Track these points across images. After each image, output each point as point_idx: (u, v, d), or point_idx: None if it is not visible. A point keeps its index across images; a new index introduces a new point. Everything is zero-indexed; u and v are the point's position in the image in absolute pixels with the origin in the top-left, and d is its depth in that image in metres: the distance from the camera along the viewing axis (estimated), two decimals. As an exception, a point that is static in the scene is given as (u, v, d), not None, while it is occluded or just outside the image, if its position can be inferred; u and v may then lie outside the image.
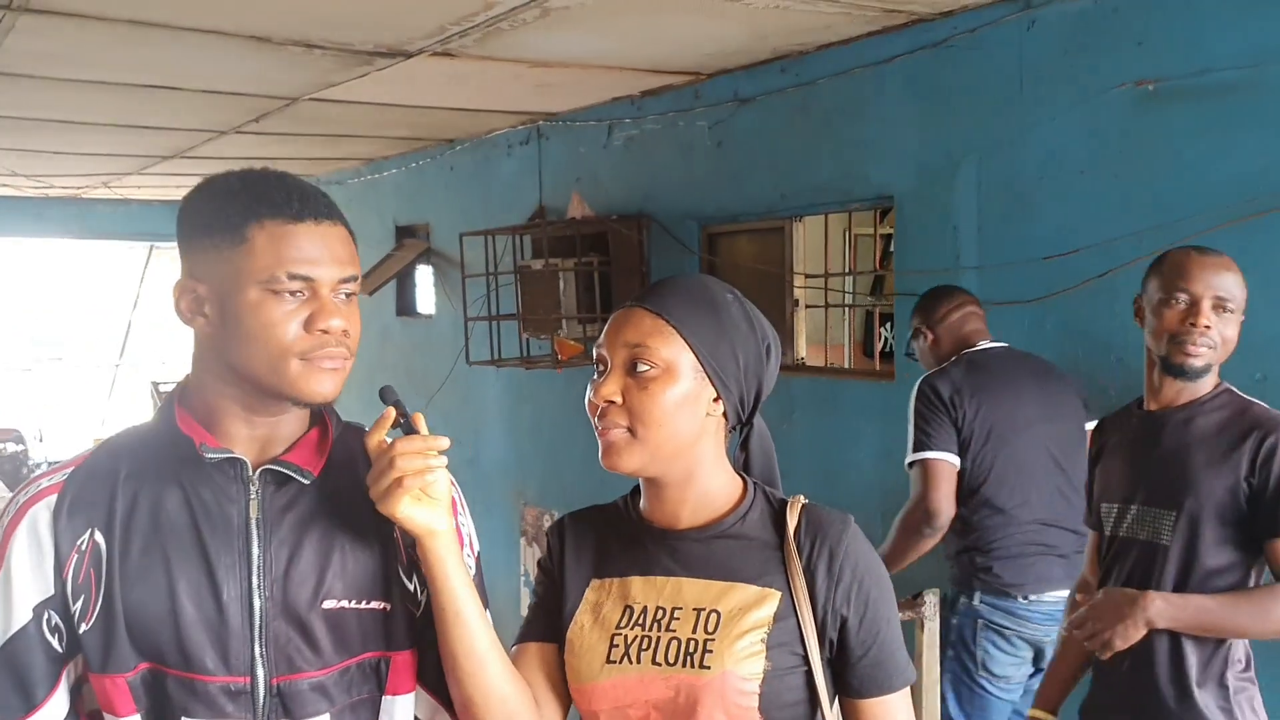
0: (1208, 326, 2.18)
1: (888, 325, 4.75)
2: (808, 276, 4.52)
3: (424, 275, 7.28)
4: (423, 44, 3.76)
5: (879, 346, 4.90)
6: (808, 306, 4.59)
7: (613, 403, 1.39)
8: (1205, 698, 2.17)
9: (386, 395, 1.34)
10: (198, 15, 3.36)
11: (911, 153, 3.75)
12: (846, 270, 4.62)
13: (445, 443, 1.31)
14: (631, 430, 1.38)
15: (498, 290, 5.64)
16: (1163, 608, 2.16)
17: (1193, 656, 2.19)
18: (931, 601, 2.50)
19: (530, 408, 6.02)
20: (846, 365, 5.14)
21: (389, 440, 1.31)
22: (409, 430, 1.31)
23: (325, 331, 1.28)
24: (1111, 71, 3.11)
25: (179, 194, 8.84)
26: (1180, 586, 2.20)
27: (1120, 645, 2.19)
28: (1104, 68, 3.14)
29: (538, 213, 5.68)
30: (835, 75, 3.98)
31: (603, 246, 5.21)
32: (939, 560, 3.68)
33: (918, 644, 2.49)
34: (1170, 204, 3.00)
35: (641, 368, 1.38)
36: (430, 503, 1.30)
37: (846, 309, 5.16)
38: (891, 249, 4.38)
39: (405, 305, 7.52)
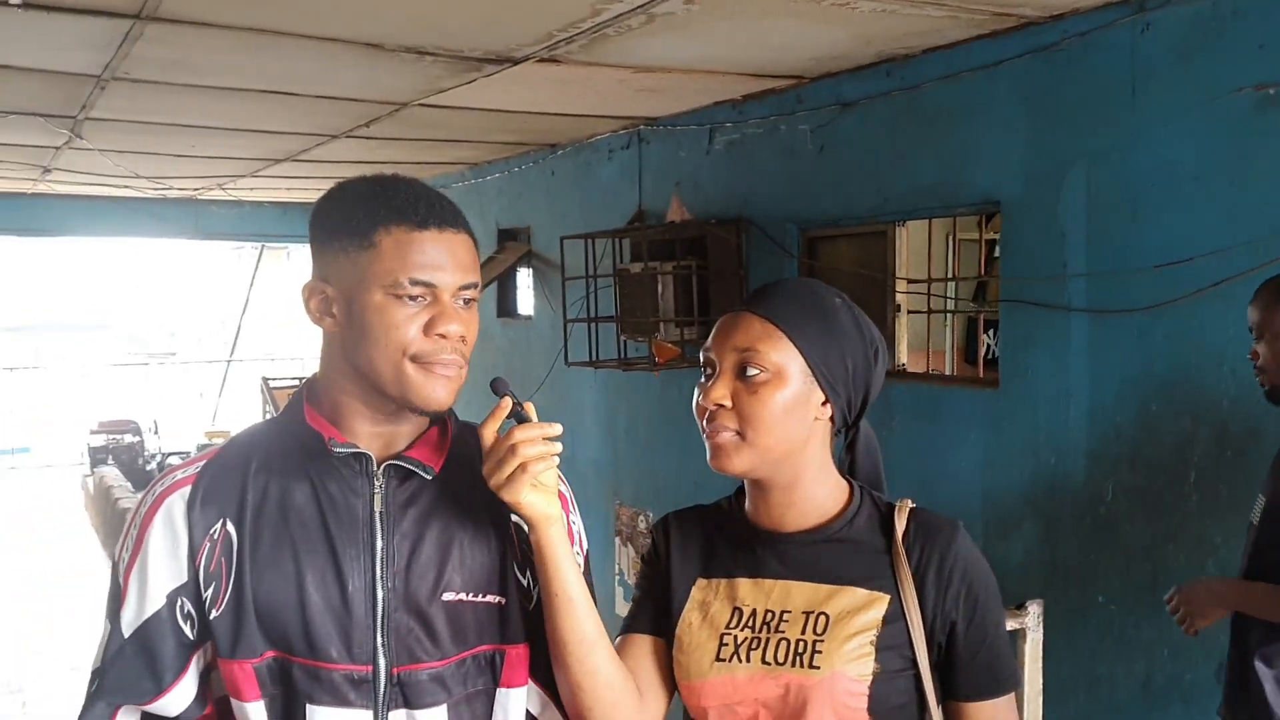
0: None
1: (991, 332, 4.69)
2: (910, 282, 4.48)
3: (524, 277, 7.38)
4: (530, 50, 3.82)
5: (982, 354, 4.84)
6: (910, 312, 4.55)
7: (722, 406, 1.41)
8: (1265, 673, 2.33)
9: (499, 386, 1.37)
10: (315, 23, 3.47)
11: (1019, 158, 3.70)
12: (950, 276, 4.56)
13: (558, 429, 1.34)
14: (740, 433, 1.40)
15: (596, 293, 5.70)
16: (1222, 591, 2.39)
17: (1261, 635, 2.36)
18: (1035, 611, 2.47)
19: (626, 409, 6.07)
20: (949, 372, 5.08)
21: (503, 431, 1.34)
22: (522, 420, 1.34)
23: (443, 336, 1.32)
24: (1230, 75, 3.04)
25: (291, 196, 9.13)
26: (1253, 563, 2.38)
27: (1201, 624, 2.42)
28: (1222, 71, 3.06)
29: (637, 216, 5.73)
30: (941, 79, 3.94)
31: (701, 250, 5.23)
32: (1039, 569, 3.63)
33: (1020, 654, 2.45)
34: (1290, 211, 2.92)
35: (751, 372, 1.40)
36: (543, 489, 1.34)
37: (949, 315, 5.10)
38: (996, 255, 4.33)
39: (506, 307, 7.63)
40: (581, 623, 1.37)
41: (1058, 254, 3.57)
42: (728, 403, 1.41)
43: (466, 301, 1.36)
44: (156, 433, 11.35)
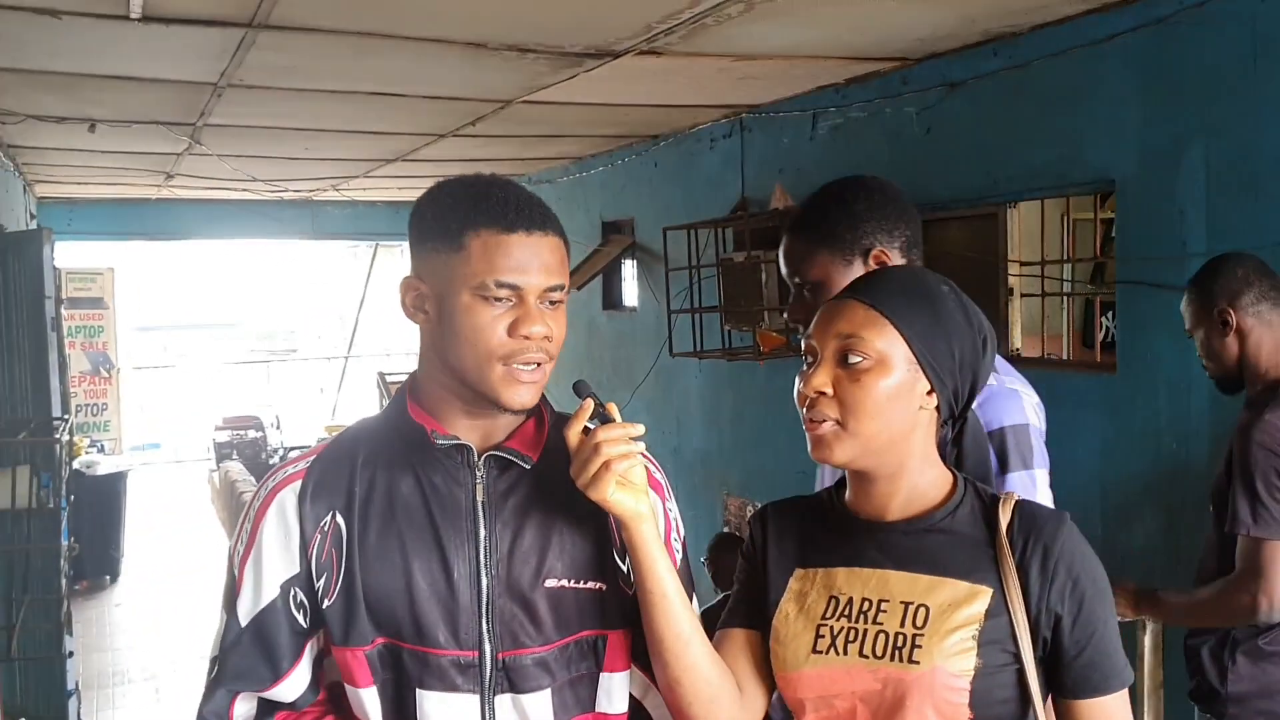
0: None
1: (1109, 314, 4.54)
2: (1023, 264, 4.37)
3: (629, 269, 7.42)
4: (630, 43, 3.84)
5: (1100, 337, 4.69)
6: (1023, 295, 4.44)
7: (823, 394, 1.39)
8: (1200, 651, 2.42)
9: (581, 389, 1.40)
10: (419, 25, 3.54)
11: (1133, 135, 3.58)
12: (1064, 257, 4.44)
13: (641, 429, 1.36)
14: (841, 423, 1.38)
15: (700, 283, 5.70)
16: (1132, 602, 2.51)
17: None
18: (1154, 603, 2.40)
19: (732, 399, 6.05)
20: (1065, 356, 4.94)
21: (585, 430, 1.36)
22: (605, 420, 1.36)
23: (527, 337, 1.35)
24: (1358, 41, 2.89)
25: (401, 195, 9.34)
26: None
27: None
28: (1350, 38, 2.92)
29: (740, 205, 5.70)
30: (1051, 56, 3.83)
31: (807, 238, 5.18)
32: (1161, 557, 3.52)
33: (1139, 646, 2.39)
34: None
35: (853, 359, 1.38)
36: (632, 488, 1.35)
37: (1065, 298, 4.96)
38: (1113, 235, 4.20)
39: (611, 299, 7.68)
40: (677, 619, 1.38)
41: (1176, 233, 3.45)
42: (829, 390, 1.39)
43: (553, 303, 1.39)
44: (278, 428, 11.71)
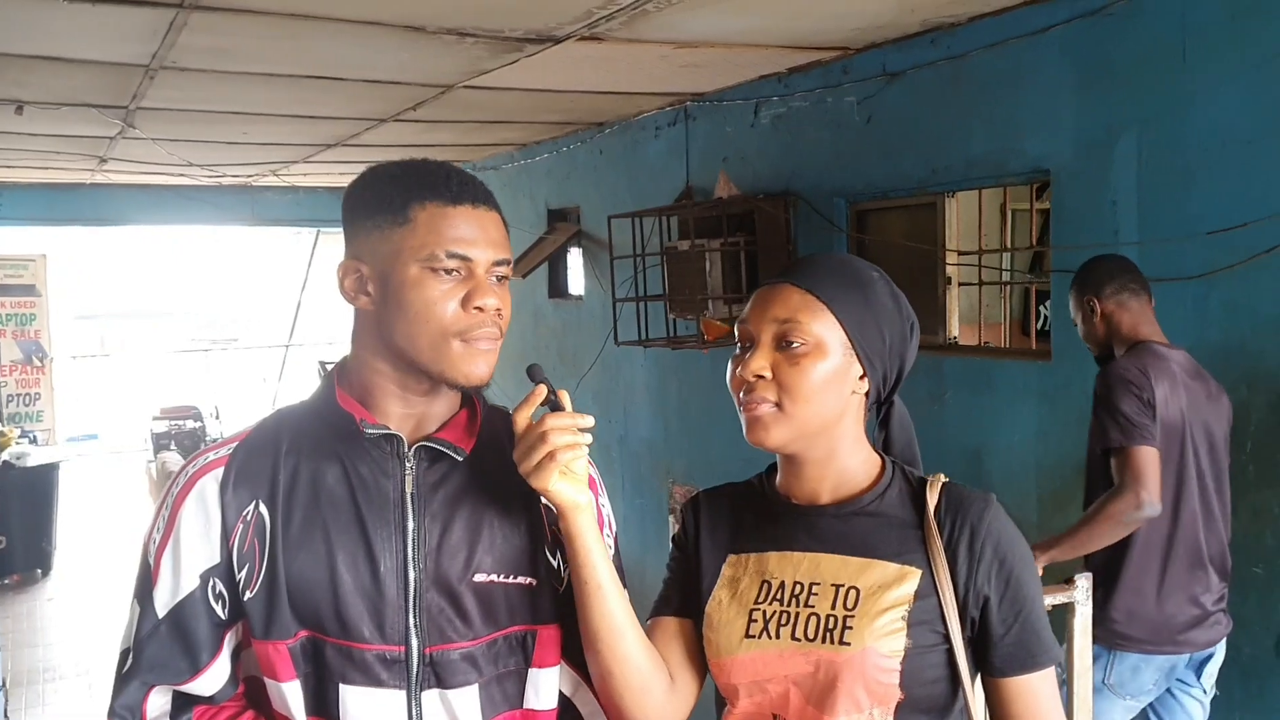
0: None
1: (1046, 303, 4.61)
2: (960, 254, 4.42)
3: (575, 258, 7.40)
4: (571, 29, 3.81)
5: (1037, 325, 4.76)
6: (961, 284, 4.49)
7: (761, 377, 1.39)
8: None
9: (535, 373, 1.38)
10: (355, 7, 3.49)
11: (1068, 125, 3.63)
12: (1002, 247, 4.49)
13: (590, 420, 1.34)
14: (779, 405, 1.39)
15: (645, 271, 5.70)
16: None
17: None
18: (1084, 585, 2.43)
19: (677, 387, 6.06)
20: (1004, 344, 5.00)
21: (535, 418, 1.35)
22: (556, 408, 1.35)
23: (480, 309, 1.33)
24: (1283, 35, 2.95)
25: (343, 180, 9.23)
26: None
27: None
28: (1273, 33, 2.97)
29: (685, 193, 5.71)
30: (988, 47, 3.87)
31: (749, 226, 5.20)
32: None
33: (1068, 628, 2.42)
34: (1349, 173, 2.84)
35: (792, 343, 1.39)
36: (573, 478, 1.33)
37: (1003, 287, 5.03)
38: (1049, 224, 4.25)
39: (557, 287, 7.65)
40: (612, 610, 1.37)
41: (1109, 222, 3.50)
42: (768, 374, 1.39)
43: (499, 278, 1.37)
44: (218, 418, 11.52)
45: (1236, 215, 3.09)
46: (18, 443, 8.74)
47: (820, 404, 1.39)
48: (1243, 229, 3.07)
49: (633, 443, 6.58)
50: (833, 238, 4.75)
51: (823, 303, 1.40)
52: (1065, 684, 2.41)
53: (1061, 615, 2.43)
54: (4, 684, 5.05)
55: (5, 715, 4.99)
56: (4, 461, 7.98)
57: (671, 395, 6.14)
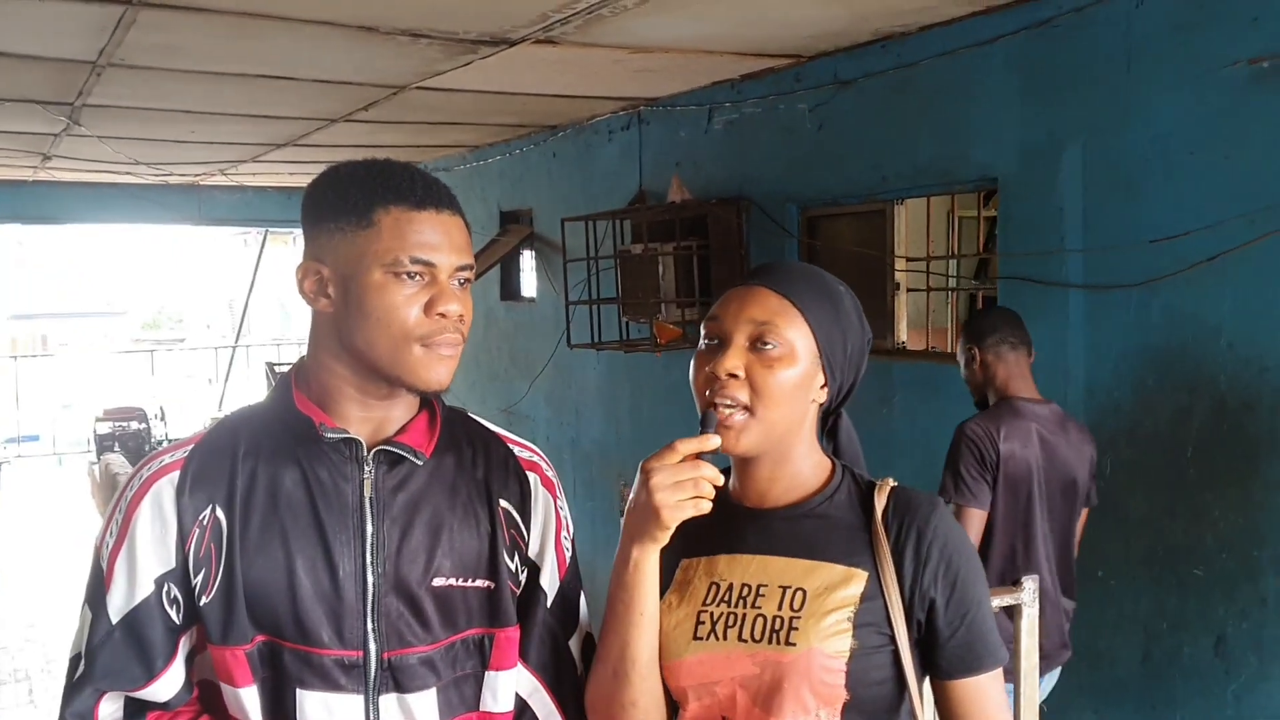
0: None
1: (991, 309, 4.68)
2: (909, 260, 4.48)
3: (527, 260, 7.39)
4: (526, 32, 3.81)
5: (982, 331, 4.82)
6: (909, 290, 4.54)
7: (734, 376, 1.40)
8: None
9: (708, 421, 1.39)
10: (307, 6, 3.47)
11: (1015, 134, 3.69)
12: (950, 253, 4.55)
13: (720, 480, 1.36)
14: (750, 408, 1.39)
15: (598, 275, 5.70)
16: None
17: None
18: (1030, 588, 2.47)
19: (630, 390, 6.07)
20: (950, 350, 5.07)
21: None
22: (713, 457, 1.37)
23: (443, 315, 1.32)
24: (1223, 49, 3.02)
25: (292, 181, 9.14)
26: None
27: None
28: (1216, 46, 3.05)
29: (638, 197, 5.72)
30: (938, 56, 3.93)
31: (702, 230, 5.23)
32: (1040, 547, 3.63)
33: (1015, 629, 2.46)
34: (1286, 184, 2.91)
35: (768, 345, 1.40)
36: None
37: (950, 293, 5.10)
38: (996, 231, 4.32)
39: (509, 290, 7.64)
40: (654, 643, 1.39)
41: (1055, 230, 3.56)
42: (740, 373, 1.40)
43: (462, 282, 1.36)
44: (163, 419, 11.37)
45: (1179, 224, 3.16)
46: (-44, 444, 8.56)
47: (789, 409, 1.41)
48: (1185, 237, 3.13)
49: (585, 445, 6.58)
50: (784, 243, 4.79)
51: (798, 309, 1.41)
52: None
53: (1008, 616, 2.47)
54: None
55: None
56: (-59, 464, 7.82)
57: (624, 398, 6.15)
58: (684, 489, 1.33)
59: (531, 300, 7.29)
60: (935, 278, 4.52)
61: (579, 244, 5.77)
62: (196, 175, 8.50)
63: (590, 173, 6.25)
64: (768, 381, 1.39)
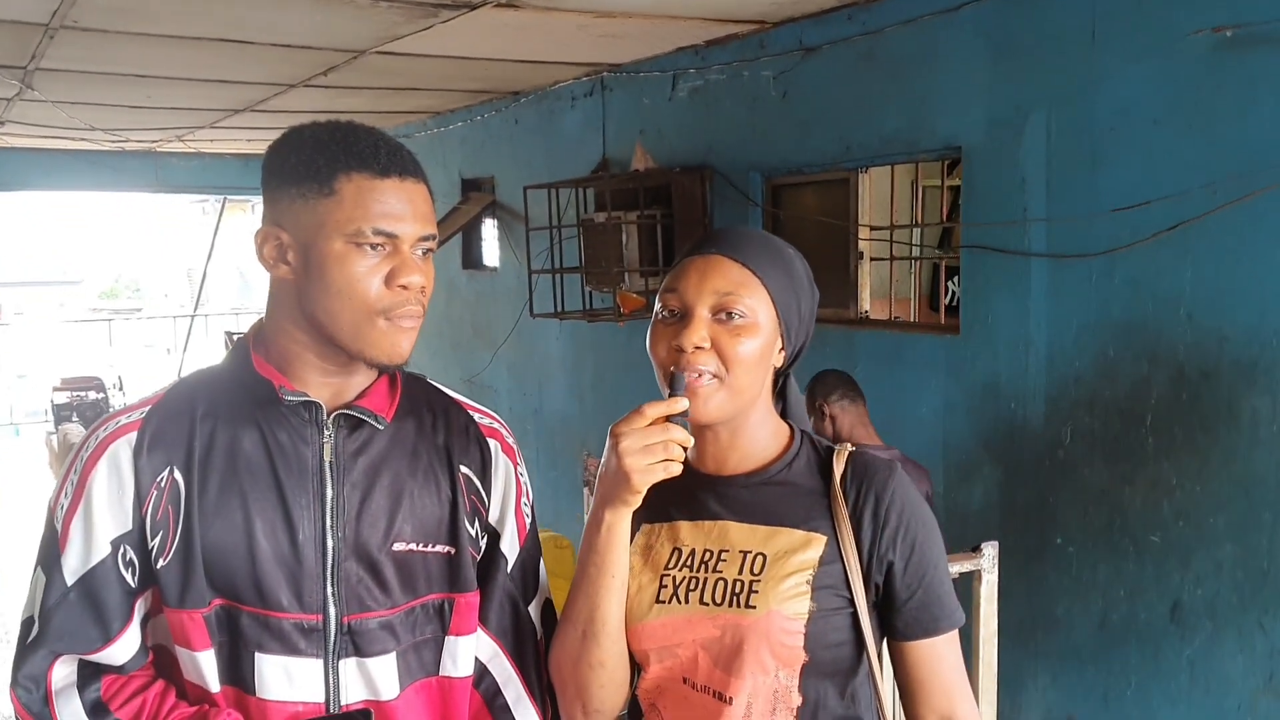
0: None
1: (955, 279, 4.70)
2: (873, 229, 4.48)
3: (489, 229, 7.33)
4: (487, -5, 3.76)
5: (945, 300, 4.85)
6: (873, 259, 4.55)
7: (701, 348, 1.39)
8: None
9: (677, 385, 1.37)
10: (265, -32, 3.40)
11: (980, 103, 3.69)
12: (913, 223, 4.56)
13: (690, 443, 1.36)
14: (719, 377, 1.39)
15: (561, 243, 5.66)
16: None
17: None
18: (990, 554, 2.49)
19: (593, 360, 6.06)
20: (913, 319, 5.09)
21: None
22: (684, 424, 1.35)
23: (405, 287, 1.30)
24: (1187, 18, 3.03)
25: (251, 147, 9.00)
26: None
27: None
28: (1179, 14, 3.05)
29: (601, 165, 5.68)
30: (903, 23, 3.91)
31: (665, 199, 5.20)
32: (998, 512, 3.68)
33: (975, 595, 2.48)
34: (1246, 155, 2.93)
35: (735, 315, 1.39)
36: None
37: (913, 262, 5.11)
38: (960, 201, 4.33)
39: (471, 258, 7.58)
40: (623, 604, 1.40)
41: (1018, 199, 3.57)
42: (707, 344, 1.39)
43: (425, 252, 1.34)
44: (121, 389, 11.24)
45: (1141, 194, 3.17)
46: (-92, 414, 8.42)
47: (755, 375, 1.41)
48: (1146, 207, 3.15)
49: (547, 416, 6.57)
50: (748, 212, 4.77)
51: (759, 278, 1.41)
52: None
53: (968, 582, 2.49)
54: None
55: (-104, 695, 4.82)
56: (-107, 434, 7.69)
57: (587, 368, 6.13)
58: (654, 452, 1.32)
59: (494, 269, 7.24)
60: (899, 247, 4.52)
61: (541, 212, 5.73)
62: (154, 141, 8.36)
63: (553, 140, 6.20)
64: (736, 351, 1.38)
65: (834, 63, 4.26)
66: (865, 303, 4.53)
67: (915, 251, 4.94)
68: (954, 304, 4.54)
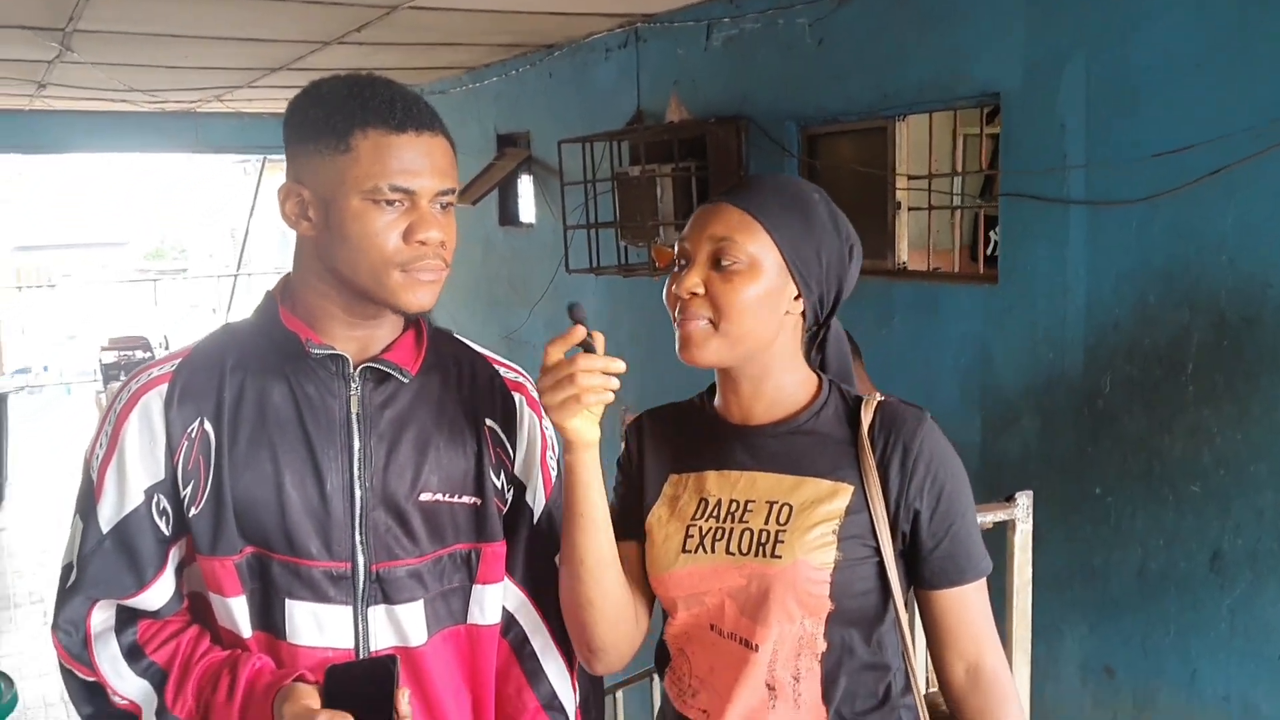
0: None
1: (995, 229, 4.64)
2: (910, 178, 4.42)
3: (525, 184, 7.32)
4: (517, -54, 3.73)
5: (986, 250, 4.79)
6: (910, 209, 4.50)
7: (695, 294, 1.40)
8: None
9: (575, 313, 1.35)
10: (295, -76, 3.40)
11: (1018, 48, 3.62)
12: (953, 171, 4.50)
13: (622, 366, 1.33)
14: (713, 322, 1.39)
15: (596, 198, 5.65)
16: None
17: None
18: (1024, 503, 2.48)
19: (629, 315, 6.05)
20: (955, 269, 5.03)
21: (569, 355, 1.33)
22: (589, 349, 1.33)
23: (423, 243, 1.31)
24: (1231, -45, 2.95)
25: (286, 106, 9.01)
26: None
27: None
28: (1223, -49, 2.97)
29: (636, 118, 5.65)
30: (939, -32, 3.84)
31: (700, 151, 5.16)
32: (1036, 462, 3.66)
33: (1009, 544, 2.47)
34: (1291, 96, 2.86)
35: (726, 261, 1.39)
36: (590, 417, 1.34)
37: (953, 212, 5.05)
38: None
39: (507, 215, 7.58)
40: (601, 544, 1.39)
41: (1057, 146, 3.51)
42: (700, 290, 1.40)
43: (444, 206, 1.35)
44: (167, 348, 11.41)
45: (1182, 138, 3.11)
46: (-39, 375, 8.61)
47: (752, 323, 1.40)
48: (1187, 151, 3.09)
49: (586, 370, 6.58)
50: (784, 162, 4.73)
51: (759, 223, 1.40)
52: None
53: (1002, 531, 2.48)
54: (-46, 616, 5.03)
55: (-43, 646, 4.98)
56: (-52, 394, 7.87)
57: (623, 323, 6.13)
58: (561, 388, 1.31)
59: (530, 225, 7.23)
60: (938, 196, 4.47)
61: (576, 167, 5.71)
62: (193, 102, 8.41)
63: (587, 93, 6.16)
64: (727, 297, 1.38)
65: (870, 9, 4.20)
66: (903, 254, 4.49)
67: (956, 200, 4.87)
68: (994, 254, 4.49)
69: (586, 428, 1.34)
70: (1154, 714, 3.39)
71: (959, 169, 4.55)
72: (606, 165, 5.64)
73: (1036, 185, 3.59)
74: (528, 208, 7.33)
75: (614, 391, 1.33)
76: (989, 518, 2.43)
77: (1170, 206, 3.17)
